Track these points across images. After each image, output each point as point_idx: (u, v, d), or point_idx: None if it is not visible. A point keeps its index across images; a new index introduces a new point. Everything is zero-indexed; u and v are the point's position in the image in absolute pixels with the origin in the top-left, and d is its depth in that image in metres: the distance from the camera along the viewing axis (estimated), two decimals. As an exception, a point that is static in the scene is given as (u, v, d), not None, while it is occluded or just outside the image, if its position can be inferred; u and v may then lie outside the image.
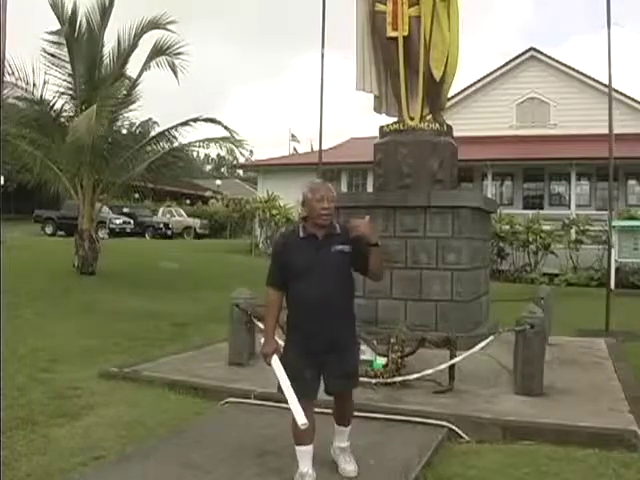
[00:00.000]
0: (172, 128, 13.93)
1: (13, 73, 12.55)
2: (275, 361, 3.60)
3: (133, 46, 13.71)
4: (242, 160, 29.02)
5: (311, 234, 3.64)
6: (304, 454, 3.65)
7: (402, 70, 7.88)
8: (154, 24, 13.42)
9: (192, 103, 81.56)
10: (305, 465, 3.64)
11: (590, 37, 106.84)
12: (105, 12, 13.56)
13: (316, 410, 3.86)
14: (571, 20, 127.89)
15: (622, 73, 34.57)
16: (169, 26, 13.46)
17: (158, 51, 13.50)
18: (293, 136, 37.06)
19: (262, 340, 3.76)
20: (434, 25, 7.71)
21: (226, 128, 13.87)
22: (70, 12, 13.19)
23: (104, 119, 12.06)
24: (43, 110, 13.36)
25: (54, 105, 13.52)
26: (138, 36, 13.57)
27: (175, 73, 13.58)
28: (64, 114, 13.76)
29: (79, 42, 13.29)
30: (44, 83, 13.12)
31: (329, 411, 3.99)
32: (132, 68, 14.09)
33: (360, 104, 18.18)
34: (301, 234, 3.67)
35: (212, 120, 13.85)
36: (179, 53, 13.44)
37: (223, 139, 14.05)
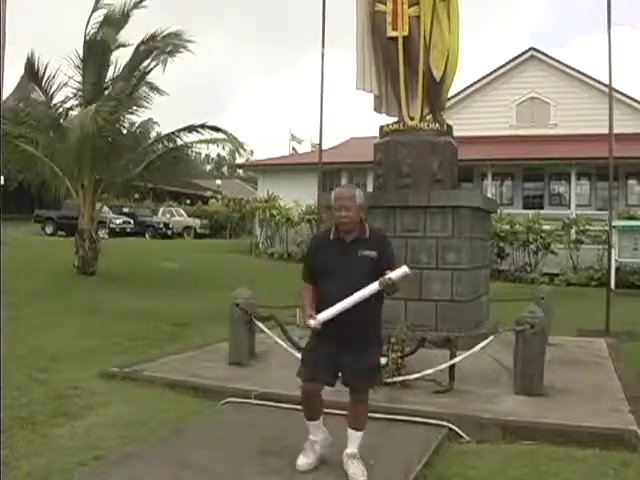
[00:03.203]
0: (175, 132, 13.96)
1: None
2: (319, 317, 3.69)
3: (146, 57, 13.72)
4: (242, 160, 29.04)
5: (340, 238, 3.84)
6: (313, 426, 3.94)
7: (402, 70, 7.88)
8: (174, 42, 13.40)
9: (194, 102, 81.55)
10: (314, 434, 3.93)
11: (599, 36, 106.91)
12: (124, 17, 13.59)
13: (326, 411, 3.97)
14: (581, 19, 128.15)
15: (628, 73, 34.37)
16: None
17: (161, 53, 13.50)
18: (293, 137, 36.93)
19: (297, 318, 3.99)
20: (434, 25, 7.72)
21: (227, 134, 13.92)
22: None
23: (101, 119, 12.06)
24: (47, 111, 13.39)
25: (60, 106, 13.63)
26: (153, 47, 13.58)
27: (164, 68, 13.56)
28: (70, 113, 13.86)
29: (96, 45, 13.31)
30: (58, 85, 13.30)
31: (337, 412, 4.04)
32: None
33: (362, 104, 18.20)
34: (331, 236, 3.89)
35: (216, 128, 13.90)
36: (180, 52, 13.44)
37: (223, 140, 14.08)
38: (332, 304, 3.68)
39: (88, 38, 13.34)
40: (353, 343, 3.75)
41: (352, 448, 3.84)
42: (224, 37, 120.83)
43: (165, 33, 13.40)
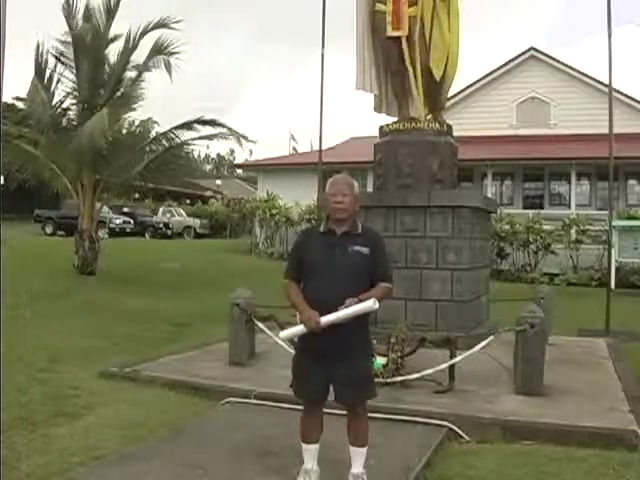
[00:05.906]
0: (173, 130, 13.94)
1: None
2: (323, 320, 3.35)
3: (135, 46, 13.72)
4: (246, 155, 29.06)
5: (330, 230, 3.57)
6: (309, 452, 3.68)
7: (402, 70, 7.88)
8: (161, 24, 13.40)
9: (197, 103, 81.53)
10: (309, 462, 3.67)
11: (605, 36, 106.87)
12: (110, 12, 13.57)
13: (326, 411, 3.81)
14: (594, 18, 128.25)
15: (629, 73, 34.36)
16: (174, 25, 13.50)
17: (157, 51, 13.48)
18: (293, 137, 36.93)
19: (297, 318, 3.59)
20: (434, 25, 7.73)
21: (226, 127, 13.90)
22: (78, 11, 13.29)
23: (114, 121, 12.06)
24: (47, 110, 13.40)
25: (59, 106, 13.60)
26: (141, 36, 13.57)
27: (169, 73, 13.47)
28: (69, 114, 13.85)
29: (85, 41, 13.29)
30: (56, 82, 13.25)
31: (336, 412, 3.90)
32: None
33: (362, 104, 18.16)
34: (321, 229, 3.63)
35: (213, 122, 13.87)
36: (175, 52, 13.39)
37: (225, 134, 14.06)
38: (321, 301, 3.39)
39: (77, 35, 13.29)
40: (339, 351, 3.45)
41: (357, 468, 3.62)
42: (227, 38, 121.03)
43: (152, 24, 13.36)
